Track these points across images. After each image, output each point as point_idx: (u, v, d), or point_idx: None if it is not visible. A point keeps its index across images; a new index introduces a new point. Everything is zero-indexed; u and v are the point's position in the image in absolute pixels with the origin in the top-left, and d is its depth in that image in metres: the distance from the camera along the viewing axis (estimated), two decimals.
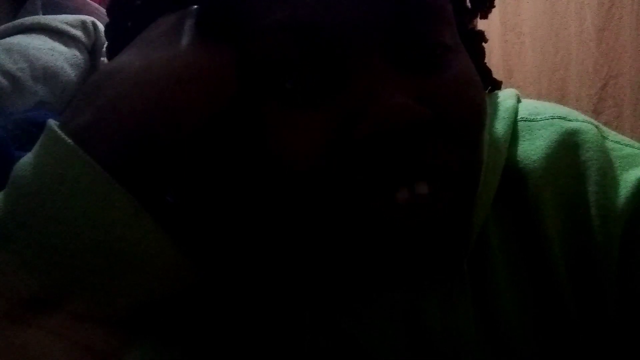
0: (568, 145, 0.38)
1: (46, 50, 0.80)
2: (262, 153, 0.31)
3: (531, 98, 0.43)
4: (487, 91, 0.43)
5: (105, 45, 0.92)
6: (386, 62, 0.31)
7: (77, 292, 0.29)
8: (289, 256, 0.36)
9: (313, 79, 0.31)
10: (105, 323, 0.30)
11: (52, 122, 0.30)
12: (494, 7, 0.40)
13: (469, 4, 0.39)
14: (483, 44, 0.41)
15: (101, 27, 0.87)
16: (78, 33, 0.83)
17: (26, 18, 0.83)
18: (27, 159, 0.30)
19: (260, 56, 0.31)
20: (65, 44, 0.82)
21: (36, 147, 0.30)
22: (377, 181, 0.30)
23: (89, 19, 0.86)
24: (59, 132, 0.29)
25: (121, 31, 0.36)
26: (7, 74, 0.75)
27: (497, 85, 0.43)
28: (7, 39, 0.79)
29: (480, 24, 0.43)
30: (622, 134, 0.41)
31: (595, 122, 0.40)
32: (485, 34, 0.42)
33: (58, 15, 0.84)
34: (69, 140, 0.29)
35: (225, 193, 0.35)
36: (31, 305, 0.28)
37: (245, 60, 0.31)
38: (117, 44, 0.36)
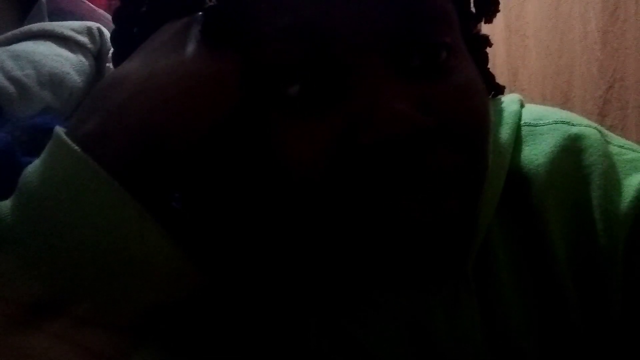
0: (571, 150, 0.38)
1: (52, 57, 0.80)
2: (267, 160, 0.31)
3: (536, 101, 0.44)
4: (490, 96, 0.43)
5: (110, 52, 0.93)
6: (389, 68, 0.31)
7: (82, 297, 0.29)
8: (294, 261, 0.37)
9: (316, 85, 0.31)
10: (110, 327, 0.30)
11: (60, 129, 0.30)
12: (498, 11, 0.40)
13: (473, 9, 0.39)
14: (487, 48, 0.41)
15: (107, 33, 0.88)
16: (84, 39, 0.84)
17: (32, 25, 0.84)
18: (35, 165, 0.30)
19: (264, 62, 0.31)
20: (71, 50, 0.83)
21: (44, 154, 0.30)
22: (380, 188, 0.30)
23: (94, 25, 0.86)
24: (66, 139, 0.29)
25: (127, 38, 0.36)
26: (14, 80, 0.76)
27: (500, 90, 0.43)
28: (14, 46, 0.80)
29: (484, 27, 0.43)
30: (628, 136, 0.41)
31: (599, 127, 0.40)
32: (489, 37, 0.42)
33: (64, 22, 0.85)
34: (76, 148, 0.29)
35: (230, 199, 0.35)
36: (36, 309, 0.29)
37: (250, 66, 0.31)
38: (123, 50, 0.36)
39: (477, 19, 0.40)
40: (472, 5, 0.39)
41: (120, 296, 0.29)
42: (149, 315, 0.31)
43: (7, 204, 0.30)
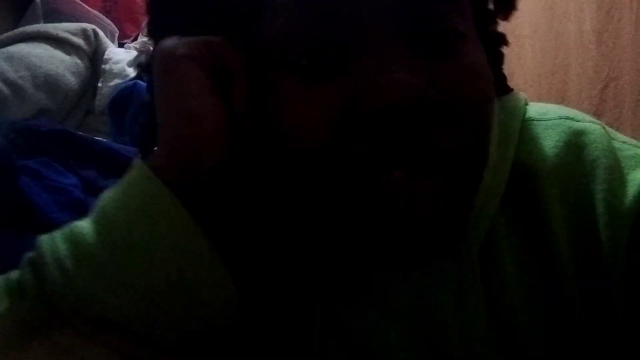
0: (576, 145, 0.38)
1: (47, 58, 0.80)
2: (270, 132, 0.32)
3: (532, 100, 0.43)
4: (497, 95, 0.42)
5: (106, 51, 0.91)
6: (398, 42, 0.31)
7: (142, 317, 0.30)
8: (296, 243, 0.36)
9: (326, 56, 0.31)
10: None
11: (139, 161, 0.32)
12: (516, 9, 0.39)
13: (491, 6, 0.39)
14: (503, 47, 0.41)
15: (102, 34, 0.88)
16: (79, 41, 0.84)
17: (27, 27, 0.84)
18: (114, 192, 0.32)
19: (275, 34, 0.31)
20: (67, 52, 0.83)
21: (124, 181, 0.32)
22: (377, 158, 0.30)
23: (89, 27, 0.86)
24: (148, 170, 0.31)
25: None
26: (9, 82, 0.76)
27: (508, 92, 0.43)
28: (9, 48, 0.80)
29: None
30: (623, 135, 0.41)
31: (603, 124, 0.40)
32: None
33: (59, 24, 0.85)
34: (157, 179, 0.31)
35: (234, 176, 0.34)
36: (100, 326, 0.30)
37: (256, 44, 0.32)
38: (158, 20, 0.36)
39: (494, 16, 0.40)
40: (489, 3, 0.39)
41: (174, 320, 0.31)
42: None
43: (87, 226, 0.31)
